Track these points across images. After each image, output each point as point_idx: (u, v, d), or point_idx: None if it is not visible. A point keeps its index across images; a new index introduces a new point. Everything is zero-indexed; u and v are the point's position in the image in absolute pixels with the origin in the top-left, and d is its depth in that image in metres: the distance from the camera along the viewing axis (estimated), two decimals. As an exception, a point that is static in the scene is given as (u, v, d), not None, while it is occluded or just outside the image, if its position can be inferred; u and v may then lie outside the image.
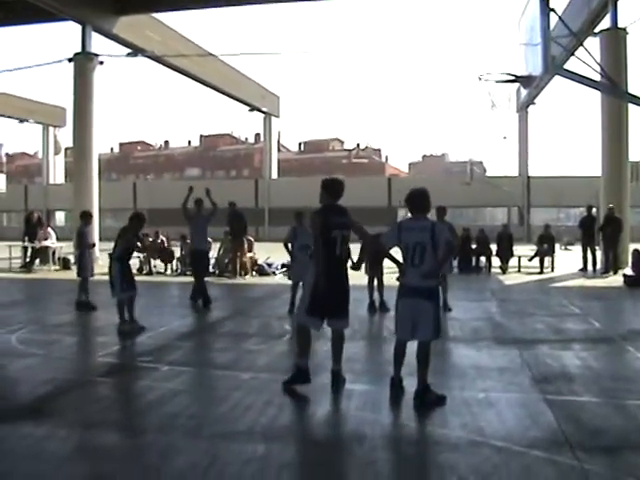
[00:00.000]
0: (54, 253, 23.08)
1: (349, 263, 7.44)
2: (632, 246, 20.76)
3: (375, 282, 12.67)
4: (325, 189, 7.25)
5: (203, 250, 14.16)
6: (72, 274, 18.66)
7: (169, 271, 21.32)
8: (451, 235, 12.71)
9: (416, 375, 6.50)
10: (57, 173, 57.69)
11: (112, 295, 10.73)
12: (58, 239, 23.76)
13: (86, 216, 13.90)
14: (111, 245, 11.00)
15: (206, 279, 14.23)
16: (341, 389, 6.95)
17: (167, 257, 21.61)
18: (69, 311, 12.96)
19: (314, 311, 6.96)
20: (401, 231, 6.63)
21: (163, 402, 6.69)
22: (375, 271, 12.59)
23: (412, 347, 6.62)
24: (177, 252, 21.26)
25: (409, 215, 6.76)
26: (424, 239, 6.46)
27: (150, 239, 21.54)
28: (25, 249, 23.53)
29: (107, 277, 10.83)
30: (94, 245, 13.74)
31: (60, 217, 56.39)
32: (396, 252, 6.75)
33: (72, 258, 22.98)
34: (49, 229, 24.19)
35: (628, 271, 18.01)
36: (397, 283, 6.75)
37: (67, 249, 23.75)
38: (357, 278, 14.19)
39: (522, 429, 5.72)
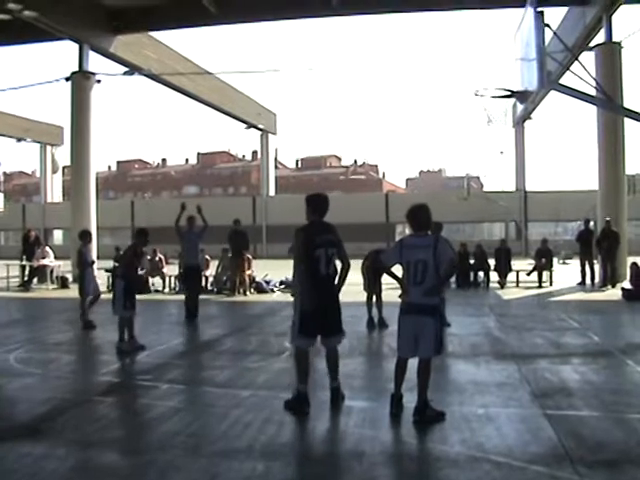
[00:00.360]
0: (52, 272, 23.07)
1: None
2: (630, 259, 20.80)
3: (374, 298, 12.67)
4: (308, 205, 7.16)
5: (194, 265, 14.38)
6: (70, 293, 18.70)
7: (167, 289, 21.30)
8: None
9: (416, 391, 6.48)
10: (55, 192, 57.82)
11: (114, 313, 10.72)
12: (56, 258, 23.75)
13: (85, 235, 13.95)
14: (108, 263, 11.02)
15: (201, 296, 14.34)
16: (340, 405, 6.93)
17: (163, 275, 21.60)
18: (67, 330, 12.96)
19: (306, 331, 6.95)
20: (402, 249, 6.60)
21: (162, 420, 6.67)
22: (374, 288, 12.60)
23: (412, 363, 6.61)
24: (175, 269, 21.23)
25: (408, 232, 6.77)
26: (426, 256, 6.43)
27: (148, 257, 21.55)
28: (23, 268, 23.54)
29: (108, 295, 10.84)
30: (94, 263, 13.77)
31: (58, 236, 56.38)
32: (397, 268, 6.74)
33: (70, 277, 23.00)
34: (47, 248, 24.17)
35: (626, 284, 18.02)
36: (396, 299, 6.75)
37: (65, 268, 23.74)
38: (356, 295, 14.22)
39: (522, 444, 5.70)
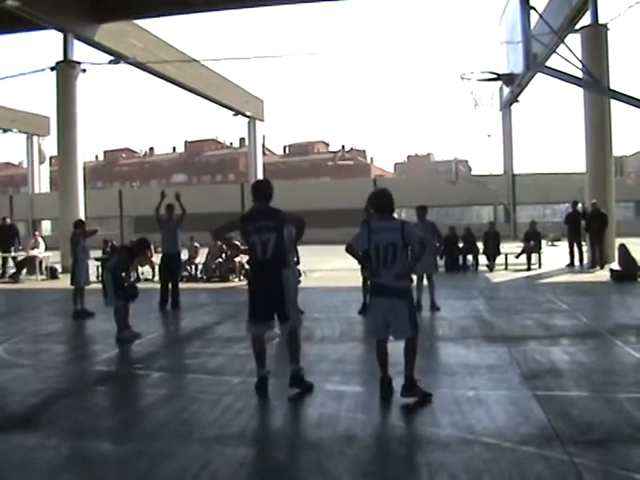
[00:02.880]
0: (41, 263, 22.98)
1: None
2: (618, 241, 20.89)
3: (369, 283, 12.64)
4: (252, 191, 7.28)
5: (171, 253, 14.40)
6: (60, 283, 18.66)
7: (156, 277, 21.24)
8: (433, 233, 12.83)
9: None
10: (42, 182, 57.55)
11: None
12: (46, 248, 23.68)
13: (80, 224, 13.99)
14: (97, 253, 10.98)
15: (192, 284, 14.37)
16: (304, 394, 6.86)
17: (152, 264, 21.56)
18: (58, 321, 12.95)
19: (254, 317, 7.04)
20: (371, 233, 6.64)
21: (154, 408, 6.69)
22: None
23: (397, 346, 6.64)
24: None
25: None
26: (395, 239, 6.49)
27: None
28: (4, 260, 23.38)
29: (97, 285, 10.80)
30: (96, 231, 13.89)
31: (46, 226, 56.16)
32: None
33: (60, 267, 22.94)
34: (39, 238, 24.11)
35: (615, 266, 18.11)
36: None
37: (54, 258, 23.67)
38: (348, 280, 14.21)
39: (512, 426, 5.73)
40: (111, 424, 6.34)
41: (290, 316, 7.03)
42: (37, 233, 26.83)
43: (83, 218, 23.01)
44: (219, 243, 20.26)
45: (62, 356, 10.11)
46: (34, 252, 22.94)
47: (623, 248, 17.89)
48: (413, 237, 6.58)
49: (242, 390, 7.17)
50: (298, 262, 11.06)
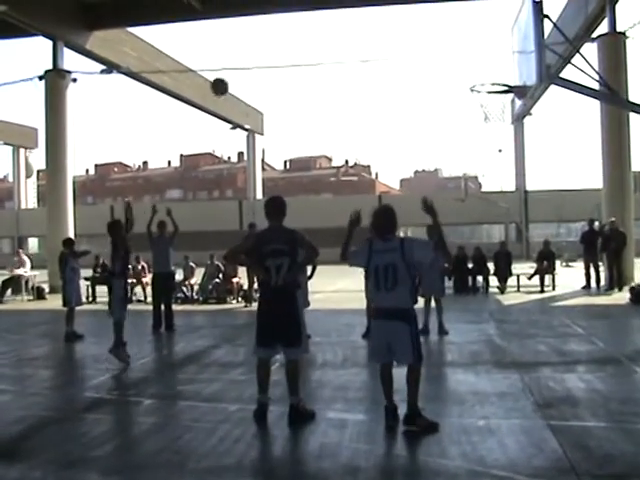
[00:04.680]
0: (27, 282, 22.96)
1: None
2: (638, 261, 20.88)
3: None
4: (265, 209, 7.29)
5: (163, 273, 14.39)
6: (47, 304, 18.63)
7: (149, 298, 21.22)
8: (444, 253, 12.79)
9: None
10: (29, 197, 57.61)
11: (112, 316, 10.56)
12: (32, 267, 23.68)
13: (69, 243, 14.03)
14: (87, 272, 10.96)
15: (187, 306, 14.35)
16: (301, 424, 6.84)
17: (144, 285, 21.56)
18: (44, 344, 12.93)
19: (261, 340, 7.08)
20: (372, 253, 6.63)
21: (146, 437, 6.67)
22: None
23: (403, 371, 6.63)
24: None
25: (402, 235, 6.80)
26: (394, 260, 6.47)
27: (130, 265, 21.49)
28: None
29: (88, 307, 10.77)
30: (88, 252, 13.90)
31: (33, 243, 56.20)
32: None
33: (47, 287, 22.93)
34: (24, 256, 24.11)
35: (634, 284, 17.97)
36: None
37: (41, 277, 23.66)
38: (352, 302, 14.18)
39: (525, 457, 5.71)
40: (100, 454, 6.30)
41: (302, 340, 7.08)
42: (21, 251, 26.82)
43: (72, 235, 23.07)
44: (216, 263, 20.34)
45: (49, 381, 10.09)
46: (19, 271, 22.93)
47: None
48: (415, 254, 6.53)
49: (240, 418, 7.15)
50: (311, 277, 11.16)
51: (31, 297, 22.45)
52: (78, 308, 13.58)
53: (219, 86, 16.58)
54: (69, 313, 13.24)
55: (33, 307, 20.40)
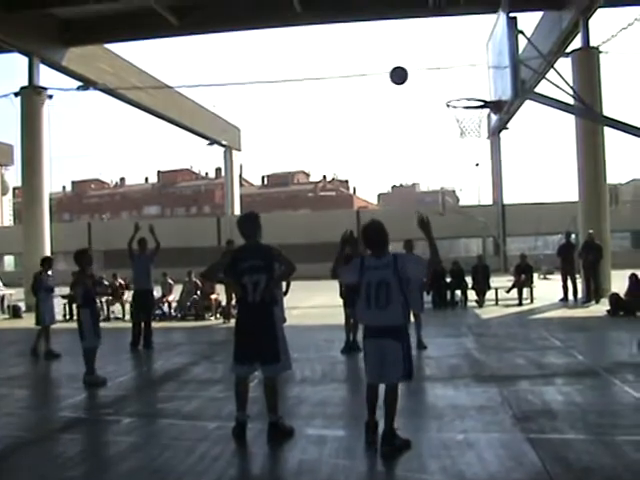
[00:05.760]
0: (2, 300, 22.77)
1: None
2: (614, 273, 21.02)
3: (352, 320, 12.50)
4: (238, 227, 7.28)
5: (143, 290, 14.39)
6: (23, 323, 18.49)
7: (127, 316, 21.13)
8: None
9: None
10: (4, 215, 57.24)
11: (84, 344, 10.50)
12: (6, 285, 23.49)
13: (46, 261, 14.02)
14: (65, 290, 10.90)
15: (165, 323, 14.32)
16: (280, 441, 6.82)
17: (122, 302, 21.46)
18: (20, 363, 12.80)
19: (238, 358, 7.06)
20: (364, 270, 6.53)
21: (124, 457, 6.61)
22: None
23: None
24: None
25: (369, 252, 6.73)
26: (387, 277, 6.39)
27: (106, 282, 21.41)
28: None
29: (65, 325, 10.69)
30: (52, 290, 13.78)
31: (9, 261, 55.78)
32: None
33: (23, 306, 22.74)
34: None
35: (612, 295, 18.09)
36: None
37: (17, 296, 23.48)
38: (332, 317, 14.18)
39: (505, 471, 5.72)
40: (77, 474, 6.25)
41: (281, 357, 7.02)
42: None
43: (48, 253, 22.94)
44: (194, 279, 20.31)
45: (24, 401, 9.97)
46: (-6, 290, 22.77)
47: (634, 278, 17.84)
48: (409, 271, 6.48)
49: (219, 436, 7.12)
50: (286, 293, 11.22)
51: (7, 316, 22.27)
52: (54, 326, 13.52)
53: (399, 74, 16.34)
54: (45, 332, 13.20)
55: (9, 326, 20.22)
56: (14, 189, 56.35)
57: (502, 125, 44.18)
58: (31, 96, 26.09)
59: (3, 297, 22.92)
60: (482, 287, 21.95)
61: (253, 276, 6.93)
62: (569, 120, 23.39)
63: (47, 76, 27.24)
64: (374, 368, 6.49)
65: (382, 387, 6.57)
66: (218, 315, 19.94)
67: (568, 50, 23.43)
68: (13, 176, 53.42)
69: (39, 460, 6.65)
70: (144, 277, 14.36)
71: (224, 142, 49.14)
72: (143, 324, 14.32)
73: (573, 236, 23.33)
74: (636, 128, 12.12)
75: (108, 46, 30.55)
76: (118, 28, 26.47)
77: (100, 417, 8.42)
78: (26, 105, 26.19)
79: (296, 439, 6.85)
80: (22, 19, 24.32)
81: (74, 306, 12.18)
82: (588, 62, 22.37)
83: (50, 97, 26.83)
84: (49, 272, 13.73)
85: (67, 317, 20.15)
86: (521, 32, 11.95)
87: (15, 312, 22.37)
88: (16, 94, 26.36)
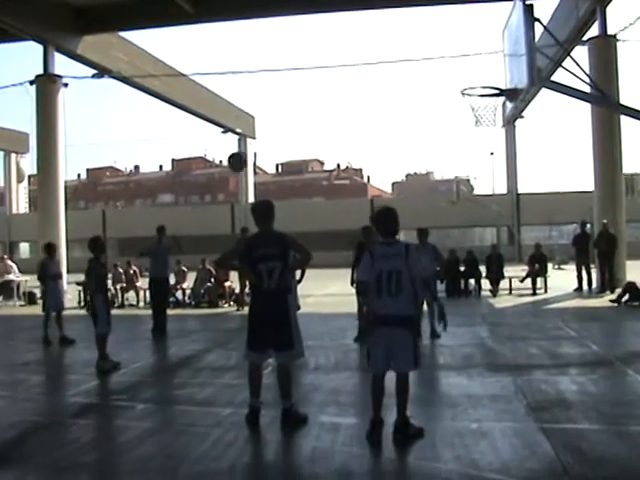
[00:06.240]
0: (18, 287, 22.89)
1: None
2: (629, 263, 20.89)
3: (365, 308, 12.48)
4: (253, 214, 7.26)
5: (159, 278, 14.42)
6: (38, 309, 18.54)
7: (141, 303, 21.22)
8: (435, 257, 12.85)
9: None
10: (20, 202, 57.41)
11: (97, 330, 10.54)
12: (21, 272, 23.60)
13: (49, 248, 14.13)
14: (80, 277, 10.94)
15: (180, 310, 14.39)
16: (294, 428, 6.83)
17: (137, 289, 21.53)
18: (36, 349, 12.87)
19: (252, 345, 7.06)
20: (374, 260, 6.46)
21: (138, 442, 6.64)
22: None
23: (390, 380, 6.53)
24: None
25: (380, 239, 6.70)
26: (399, 266, 6.34)
27: (121, 270, 21.50)
28: None
29: (80, 311, 10.73)
30: (58, 276, 13.85)
31: (25, 249, 56.04)
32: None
33: (38, 292, 22.84)
34: (9, 262, 24.03)
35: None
36: None
37: (33, 282, 23.58)
38: (346, 305, 14.17)
39: (518, 460, 5.71)
40: (92, 459, 6.29)
41: (295, 344, 7.03)
42: (6, 257, 26.67)
43: (63, 240, 23.04)
44: (208, 267, 20.35)
45: (41, 387, 10.06)
46: (10, 276, 22.86)
47: (634, 286, 17.63)
48: (414, 269, 6.40)
49: (232, 422, 7.14)
50: (300, 281, 11.22)
51: (23, 302, 22.38)
52: (68, 313, 13.59)
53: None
54: (57, 318, 13.36)
55: (25, 312, 20.33)
56: (30, 177, 56.46)
57: (517, 114, 44.01)
58: (46, 84, 26.15)
59: (19, 284, 23.01)
60: (496, 276, 21.90)
61: (268, 264, 6.93)
62: (585, 109, 23.26)
63: (62, 64, 27.27)
64: (381, 358, 6.41)
65: (388, 378, 6.50)
66: (232, 302, 19.98)
67: (585, 38, 23.23)
68: (29, 164, 53.56)
69: (56, 445, 6.68)
70: (161, 265, 14.38)
71: (238, 130, 49.06)
72: (158, 311, 14.37)
73: (588, 226, 23.21)
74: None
75: (123, 34, 30.53)
76: (133, 16, 26.43)
77: (114, 403, 8.44)
78: (41, 93, 26.26)
79: (310, 426, 6.86)
80: (37, 7, 24.33)
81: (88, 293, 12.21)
82: (605, 50, 22.17)
83: (65, 85, 26.88)
84: (54, 258, 13.83)
85: (82, 304, 20.23)
86: (537, 20, 11.89)
87: (30, 298, 22.46)
88: (31, 82, 26.44)
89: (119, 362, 10.45)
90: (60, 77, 26.71)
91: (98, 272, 10.80)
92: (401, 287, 6.33)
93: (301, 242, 7.23)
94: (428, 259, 12.12)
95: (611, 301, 17.65)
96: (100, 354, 10.38)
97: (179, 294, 20.90)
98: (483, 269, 22.12)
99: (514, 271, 23.28)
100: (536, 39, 12.19)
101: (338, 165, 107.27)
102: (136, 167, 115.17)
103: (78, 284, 19.04)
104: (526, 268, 22.92)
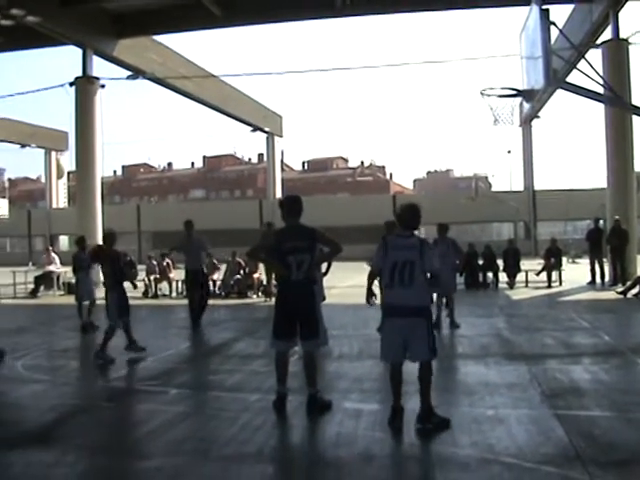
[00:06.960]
0: (58, 278, 23.12)
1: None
2: (640, 257, 20.76)
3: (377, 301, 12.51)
4: (281, 209, 7.28)
5: (193, 270, 14.34)
6: (76, 299, 18.73)
7: (174, 293, 21.34)
8: (455, 251, 12.87)
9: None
10: (60, 197, 57.88)
11: (110, 320, 10.46)
12: (62, 263, 23.81)
13: (81, 241, 14.50)
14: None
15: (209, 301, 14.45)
16: (319, 414, 6.83)
17: (170, 280, 21.64)
18: (74, 336, 13.01)
19: (278, 333, 7.08)
20: (388, 249, 6.45)
21: (171, 425, 6.70)
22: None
23: (411, 368, 6.50)
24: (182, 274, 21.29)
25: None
26: (413, 257, 6.31)
27: (154, 262, 21.63)
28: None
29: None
30: (90, 266, 13.92)
31: (64, 241, 56.50)
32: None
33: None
34: (53, 254, 24.24)
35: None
36: None
37: (71, 273, 23.79)
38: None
39: (533, 445, 5.70)
40: (127, 441, 6.37)
41: (320, 333, 7.06)
42: (50, 248, 26.89)
43: (100, 233, 23.19)
44: (237, 259, 20.43)
45: (79, 372, 10.19)
46: (51, 267, 23.09)
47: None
48: (428, 264, 6.38)
49: (260, 407, 7.18)
50: (326, 273, 11.19)
51: (62, 292, 22.59)
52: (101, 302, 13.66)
53: None
54: (90, 306, 13.57)
55: (64, 301, 20.50)
56: (69, 173, 56.84)
57: (534, 113, 43.72)
58: (85, 85, 26.47)
59: (59, 275, 23.23)
60: (513, 270, 21.84)
61: (297, 256, 6.95)
62: (599, 109, 23.13)
63: (100, 66, 27.52)
64: (395, 348, 6.37)
65: (412, 366, 6.48)
66: (260, 293, 20.05)
67: (598, 41, 23.12)
68: (68, 161, 53.87)
69: (93, 427, 6.78)
70: (196, 259, 14.30)
71: (266, 129, 49.13)
72: (198, 301, 14.27)
73: (601, 222, 23.07)
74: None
75: (156, 37, 30.72)
76: (165, 20, 26.65)
77: (148, 388, 8.49)
78: (80, 94, 26.58)
79: (334, 412, 6.88)
80: (76, 13, 24.60)
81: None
82: (618, 53, 22.08)
83: (103, 86, 27.21)
84: (85, 251, 13.94)
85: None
86: (553, 23, 11.80)
87: (69, 288, 22.58)
88: (71, 84, 26.80)
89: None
90: (98, 79, 27.02)
91: (113, 265, 10.66)
92: (413, 278, 6.31)
93: (330, 235, 7.26)
94: (449, 253, 12.18)
95: (617, 292, 17.57)
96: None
97: (210, 285, 20.97)
98: (500, 263, 22.06)
99: (530, 265, 23.16)
100: (552, 42, 12.10)
101: (362, 162, 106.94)
102: (169, 164, 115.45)
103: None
104: (542, 262, 22.81)
